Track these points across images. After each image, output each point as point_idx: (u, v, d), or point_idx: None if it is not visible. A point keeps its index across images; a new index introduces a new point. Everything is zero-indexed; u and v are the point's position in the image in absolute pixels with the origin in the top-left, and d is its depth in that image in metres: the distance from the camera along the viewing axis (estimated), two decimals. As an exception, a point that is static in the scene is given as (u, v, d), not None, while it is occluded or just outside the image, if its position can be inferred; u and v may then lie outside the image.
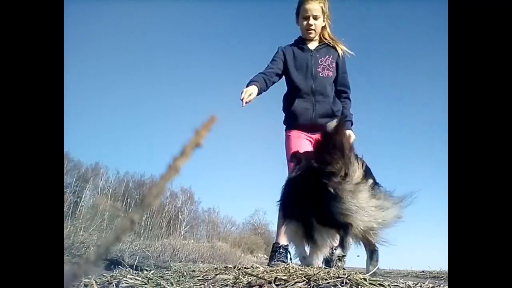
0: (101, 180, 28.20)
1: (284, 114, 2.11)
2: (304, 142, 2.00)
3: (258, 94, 1.88)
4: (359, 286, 0.98)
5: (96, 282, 1.01)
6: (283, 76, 2.08)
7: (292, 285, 1.01)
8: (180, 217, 30.22)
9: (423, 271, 3.28)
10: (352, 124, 2.07)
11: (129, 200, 28.31)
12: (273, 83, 2.00)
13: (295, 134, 2.02)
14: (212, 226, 33.51)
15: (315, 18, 1.99)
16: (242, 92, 1.84)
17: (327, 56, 2.04)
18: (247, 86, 1.89)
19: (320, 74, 2.01)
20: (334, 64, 2.04)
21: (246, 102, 1.85)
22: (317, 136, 1.81)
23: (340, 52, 2.03)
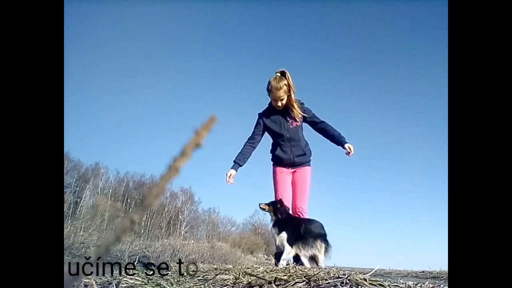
0: (101, 180, 28.18)
1: (271, 155, 2.90)
2: (285, 177, 2.78)
3: (238, 169, 2.76)
4: (359, 286, 0.98)
5: (96, 282, 1.01)
6: (266, 131, 2.87)
7: (292, 285, 1.01)
8: (180, 217, 30.20)
9: (423, 271, 3.28)
10: (345, 139, 2.74)
11: (129, 200, 28.28)
12: (258, 141, 2.86)
13: (279, 170, 2.80)
14: (212, 226, 33.49)
15: (281, 100, 2.67)
16: (226, 175, 2.71)
17: (292, 113, 2.74)
18: (231, 167, 2.74)
19: (291, 126, 2.75)
20: (298, 117, 2.75)
21: (229, 182, 2.71)
22: (294, 170, 2.79)
23: (296, 116, 2.73)
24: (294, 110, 2.71)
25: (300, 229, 2.58)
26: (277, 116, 2.78)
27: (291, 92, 2.67)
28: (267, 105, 2.86)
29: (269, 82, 2.67)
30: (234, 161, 2.76)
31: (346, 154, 2.71)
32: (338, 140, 2.74)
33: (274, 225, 2.66)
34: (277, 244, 2.64)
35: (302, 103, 2.78)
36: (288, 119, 2.76)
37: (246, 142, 2.83)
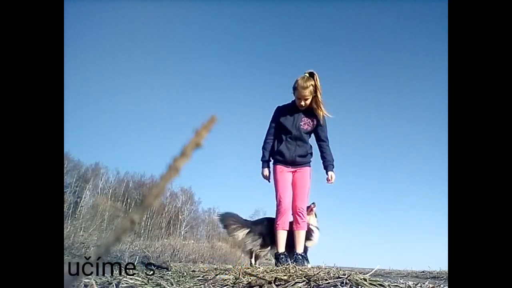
0: (101, 180, 28.16)
1: (273, 152, 2.90)
2: (286, 175, 2.81)
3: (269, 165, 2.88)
4: (359, 286, 0.98)
5: (96, 282, 1.01)
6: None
7: (292, 285, 1.01)
8: (180, 217, 30.19)
9: (423, 271, 3.28)
10: (333, 167, 2.87)
11: (129, 200, 28.26)
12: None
13: (279, 168, 2.83)
14: (212, 226, 33.47)
15: (306, 99, 2.70)
16: (264, 177, 2.85)
17: (310, 117, 2.82)
18: (262, 167, 2.87)
19: (301, 127, 2.81)
20: (314, 122, 2.83)
21: (269, 181, 2.83)
22: (294, 169, 2.82)
23: (320, 117, 2.80)
24: (320, 111, 2.74)
25: None
26: (294, 114, 2.82)
27: (318, 93, 2.69)
28: (290, 101, 2.88)
29: (296, 81, 2.69)
30: (264, 160, 2.86)
31: (327, 180, 2.84)
32: (325, 165, 2.84)
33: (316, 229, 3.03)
34: (312, 244, 2.95)
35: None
36: (304, 120, 2.81)
37: (266, 139, 2.89)
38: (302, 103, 2.71)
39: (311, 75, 2.68)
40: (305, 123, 2.80)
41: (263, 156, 2.86)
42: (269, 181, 2.83)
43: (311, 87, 2.66)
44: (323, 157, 2.88)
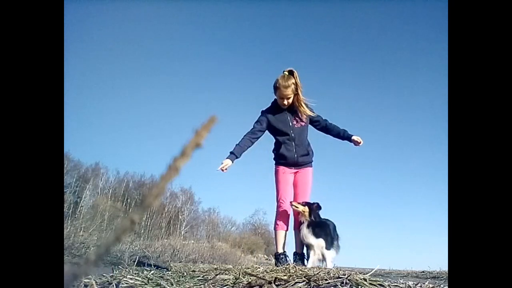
0: (101, 180, 28.12)
1: (274, 154, 2.88)
2: (288, 177, 2.79)
3: (234, 161, 2.65)
4: (359, 286, 0.98)
5: (96, 282, 1.01)
6: (269, 130, 2.84)
7: (292, 285, 1.01)
8: (180, 217, 30.18)
9: (423, 271, 3.28)
10: (349, 132, 2.78)
11: (129, 200, 28.24)
12: (258, 138, 2.79)
13: (281, 169, 2.80)
14: (212, 226, 33.48)
15: (288, 98, 2.67)
16: (221, 163, 2.58)
17: (298, 113, 2.77)
18: (227, 157, 2.61)
19: (296, 126, 2.76)
20: (304, 117, 2.77)
21: (222, 170, 2.58)
22: (296, 170, 2.80)
23: (302, 115, 2.76)
24: (302, 109, 2.71)
25: (330, 232, 2.64)
26: (283, 114, 2.77)
27: (299, 91, 2.67)
28: (270, 104, 2.83)
29: (277, 80, 2.64)
30: (231, 152, 2.63)
31: (356, 145, 2.73)
32: (344, 136, 2.76)
33: (308, 227, 2.60)
34: (314, 247, 2.58)
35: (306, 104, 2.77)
36: (293, 118, 2.76)
37: (245, 136, 2.73)
38: (285, 102, 2.67)
39: (291, 73, 2.65)
40: (298, 121, 2.76)
41: (233, 148, 2.65)
42: (222, 171, 2.56)
43: (293, 86, 2.63)
44: (336, 133, 2.78)
